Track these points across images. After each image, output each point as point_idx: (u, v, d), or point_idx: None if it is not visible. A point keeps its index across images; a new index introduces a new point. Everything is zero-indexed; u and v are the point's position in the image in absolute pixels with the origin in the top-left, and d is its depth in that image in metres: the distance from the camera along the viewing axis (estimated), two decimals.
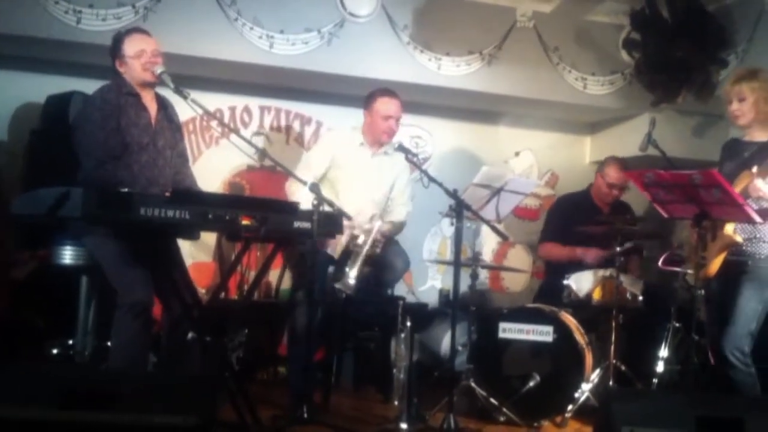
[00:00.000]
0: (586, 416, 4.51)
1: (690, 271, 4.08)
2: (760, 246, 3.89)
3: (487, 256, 6.42)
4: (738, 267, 3.89)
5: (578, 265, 5.10)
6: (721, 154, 4.19)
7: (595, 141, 6.86)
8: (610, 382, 4.57)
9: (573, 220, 5.28)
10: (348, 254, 4.41)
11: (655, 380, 4.79)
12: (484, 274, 6.35)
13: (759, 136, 4.00)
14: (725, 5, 5.76)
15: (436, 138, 6.50)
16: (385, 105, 4.76)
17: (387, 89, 4.84)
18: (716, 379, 3.96)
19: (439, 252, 6.48)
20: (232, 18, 5.24)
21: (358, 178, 4.73)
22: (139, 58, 3.87)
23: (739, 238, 3.83)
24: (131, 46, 3.89)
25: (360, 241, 4.32)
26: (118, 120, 3.80)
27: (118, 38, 3.95)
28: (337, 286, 4.23)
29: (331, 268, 4.69)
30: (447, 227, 6.30)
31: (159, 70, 3.87)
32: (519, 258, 6.65)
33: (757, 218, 3.69)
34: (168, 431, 2.70)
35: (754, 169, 3.78)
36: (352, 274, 4.20)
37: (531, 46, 5.89)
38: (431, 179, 4.22)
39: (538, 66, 5.90)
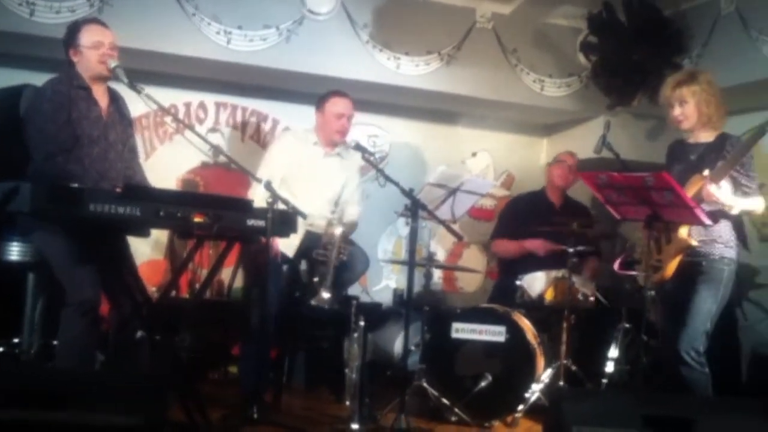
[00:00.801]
0: (537, 416, 4.54)
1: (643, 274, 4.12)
2: (714, 247, 3.92)
3: (442, 256, 6.43)
4: (693, 267, 3.92)
5: (531, 265, 5.12)
6: (667, 156, 4.22)
7: (551, 143, 6.91)
8: (561, 382, 4.61)
9: (526, 217, 5.33)
10: (311, 262, 4.41)
11: (604, 380, 4.85)
12: (438, 274, 6.38)
13: (704, 137, 4.03)
14: (681, 10, 5.83)
15: (394, 137, 6.50)
16: (337, 104, 4.77)
17: (337, 90, 4.87)
18: (667, 379, 4.00)
19: (394, 252, 6.48)
20: (190, 13, 5.18)
21: (311, 178, 4.73)
22: (96, 49, 3.80)
23: (693, 242, 3.87)
24: (88, 37, 3.82)
25: (324, 252, 4.30)
26: (69, 112, 3.73)
27: (75, 27, 3.88)
28: (314, 303, 4.22)
29: (284, 267, 4.67)
30: (402, 227, 6.30)
31: (113, 64, 3.80)
32: (473, 258, 6.68)
33: (707, 221, 3.73)
34: (114, 431, 2.66)
35: (706, 173, 3.82)
36: (325, 288, 4.20)
37: (490, 47, 5.91)
38: (387, 178, 4.22)
39: (497, 67, 5.93)
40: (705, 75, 4.04)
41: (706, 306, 3.89)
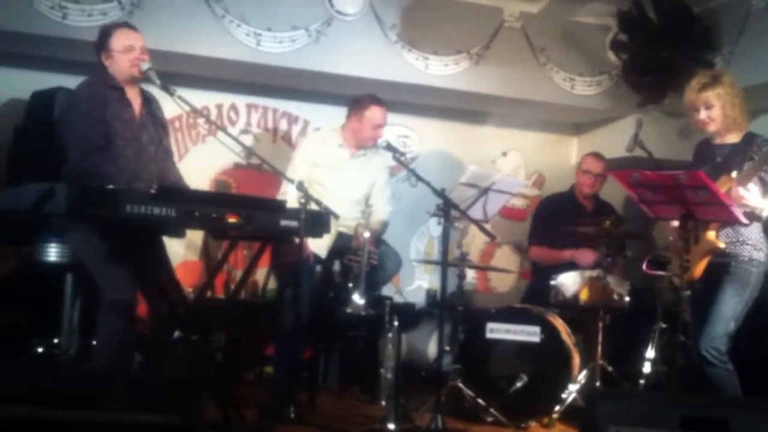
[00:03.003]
0: (573, 417, 4.51)
1: (671, 274, 4.10)
2: (743, 248, 3.90)
3: (474, 256, 6.40)
4: (721, 268, 3.90)
5: (566, 266, 5.09)
6: (694, 157, 4.21)
7: (581, 142, 6.87)
8: (597, 383, 4.57)
9: (558, 220, 5.29)
10: (344, 264, 4.40)
11: (641, 381, 4.80)
12: (471, 275, 6.34)
13: (729, 138, 4.01)
14: (712, 7, 5.77)
15: (423, 137, 6.49)
16: (375, 114, 4.77)
17: (376, 97, 4.84)
18: (702, 380, 3.97)
19: (426, 252, 6.46)
20: (219, 15, 5.21)
21: (337, 180, 4.73)
22: (127, 53, 3.83)
23: (721, 244, 3.85)
24: (119, 41, 3.85)
25: (355, 258, 4.30)
26: (104, 112, 3.76)
27: (106, 31, 3.91)
28: (349, 310, 4.22)
29: (317, 268, 4.68)
30: (434, 227, 6.27)
31: (145, 66, 3.83)
32: (506, 258, 6.65)
33: (744, 219, 3.70)
34: (151, 430, 2.67)
35: (734, 174, 3.79)
36: (358, 295, 4.20)
37: (518, 46, 5.89)
38: (419, 178, 4.21)
39: (526, 66, 5.90)
40: (728, 76, 4.03)
41: (731, 307, 3.87)
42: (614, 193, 5.72)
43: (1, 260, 4.66)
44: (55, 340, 4.40)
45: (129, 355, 3.80)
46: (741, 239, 3.90)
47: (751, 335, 4.05)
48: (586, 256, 5.24)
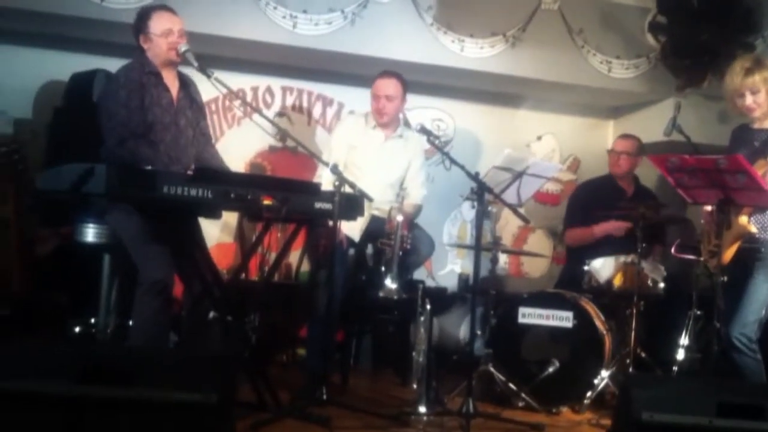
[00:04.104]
0: (606, 402, 4.50)
1: (702, 258, 4.06)
2: None
3: (507, 240, 6.38)
4: (751, 254, 3.86)
5: (600, 251, 5.05)
6: (730, 141, 4.14)
7: (618, 125, 6.79)
8: (630, 369, 4.55)
9: (596, 203, 5.25)
10: (377, 248, 4.41)
11: (674, 368, 4.77)
12: (504, 259, 6.33)
13: None
14: None
15: (458, 120, 6.45)
16: (374, 85, 4.80)
17: (384, 71, 4.86)
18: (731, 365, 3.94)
19: (459, 236, 6.45)
20: None
21: (372, 162, 4.74)
22: (166, 37, 3.85)
23: (753, 229, 3.81)
24: (158, 24, 3.87)
25: (389, 242, 4.30)
26: (142, 98, 3.80)
27: (145, 14, 3.93)
28: (381, 294, 4.23)
29: (351, 251, 4.70)
30: (467, 211, 6.28)
31: (183, 48, 3.85)
32: (539, 243, 6.61)
33: None
34: (187, 408, 2.71)
35: None
36: (391, 279, 4.21)
37: (555, 28, 5.82)
38: (453, 161, 4.19)
39: (563, 49, 5.84)
40: None
41: (762, 293, 3.84)
42: (647, 177, 5.65)
43: (40, 240, 4.73)
44: (93, 320, 4.46)
45: (165, 335, 3.84)
46: None
47: None
48: (618, 226, 5.16)
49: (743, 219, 3.80)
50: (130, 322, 3.86)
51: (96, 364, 2.72)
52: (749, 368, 3.82)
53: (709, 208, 3.98)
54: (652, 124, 5.79)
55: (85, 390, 2.66)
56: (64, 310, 4.42)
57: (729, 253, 3.82)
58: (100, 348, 3.41)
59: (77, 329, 4.55)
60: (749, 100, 3.92)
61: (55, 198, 3.77)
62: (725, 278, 3.83)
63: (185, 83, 4.04)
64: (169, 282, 3.69)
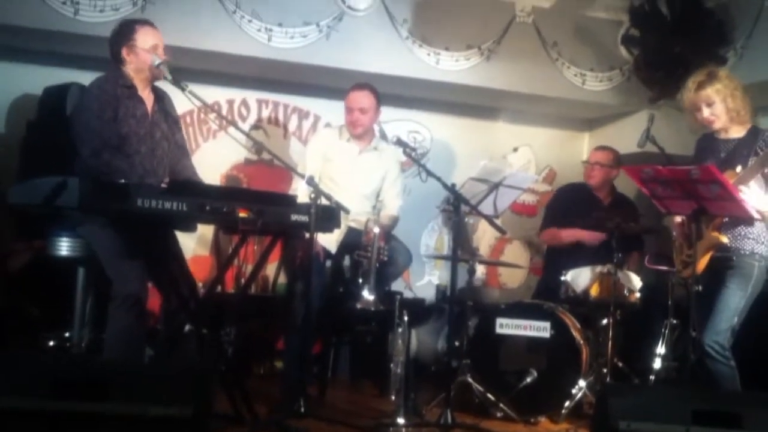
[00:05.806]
0: (583, 412, 4.51)
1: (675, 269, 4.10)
2: (745, 242, 3.89)
3: (485, 251, 6.40)
4: (723, 262, 3.89)
5: (577, 261, 5.07)
6: (696, 150, 4.17)
7: (593, 137, 6.84)
8: (607, 378, 4.57)
9: (573, 208, 5.28)
10: (354, 260, 4.41)
11: (651, 377, 4.79)
12: (481, 270, 6.35)
13: (734, 132, 3.99)
14: (724, 2, 5.73)
15: (434, 133, 6.47)
16: (348, 98, 4.83)
17: (357, 83, 4.87)
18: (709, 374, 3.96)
19: (436, 248, 6.46)
20: (231, 10, 5.21)
21: (346, 174, 4.76)
22: (153, 52, 3.85)
23: (724, 239, 3.85)
24: (146, 39, 3.87)
25: (365, 254, 4.30)
26: (116, 110, 3.78)
27: (130, 27, 3.92)
28: (359, 306, 4.22)
29: (328, 263, 4.69)
30: (444, 222, 6.30)
31: (156, 61, 3.84)
32: (516, 254, 6.63)
33: (756, 214, 3.69)
34: (162, 422, 2.69)
35: (738, 169, 3.78)
36: (368, 290, 4.20)
37: (530, 41, 5.87)
38: (429, 173, 4.21)
39: (537, 61, 5.88)
40: (723, 71, 4.05)
41: (734, 301, 3.86)
42: (626, 187, 5.69)
43: (14, 254, 4.69)
44: (67, 334, 4.42)
45: (140, 349, 3.81)
46: (743, 233, 3.89)
47: (755, 330, 4.04)
48: (593, 235, 5.19)
49: (714, 230, 3.84)
50: (104, 336, 3.82)
51: (70, 378, 2.69)
52: (723, 376, 3.84)
53: (678, 219, 4.02)
54: (626, 136, 5.83)
55: (59, 404, 2.63)
56: (37, 323, 4.39)
57: (702, 263, 3.85)
58: (74, 362, 3.37)
59: (51, 343, 4.51)
60: (706, 113, 3.96)
61: (29, 211, 3.73)
62: (700, 287, 3.86)
63: (160, 96, 4.03)
64: (142, 296, 3.66)
